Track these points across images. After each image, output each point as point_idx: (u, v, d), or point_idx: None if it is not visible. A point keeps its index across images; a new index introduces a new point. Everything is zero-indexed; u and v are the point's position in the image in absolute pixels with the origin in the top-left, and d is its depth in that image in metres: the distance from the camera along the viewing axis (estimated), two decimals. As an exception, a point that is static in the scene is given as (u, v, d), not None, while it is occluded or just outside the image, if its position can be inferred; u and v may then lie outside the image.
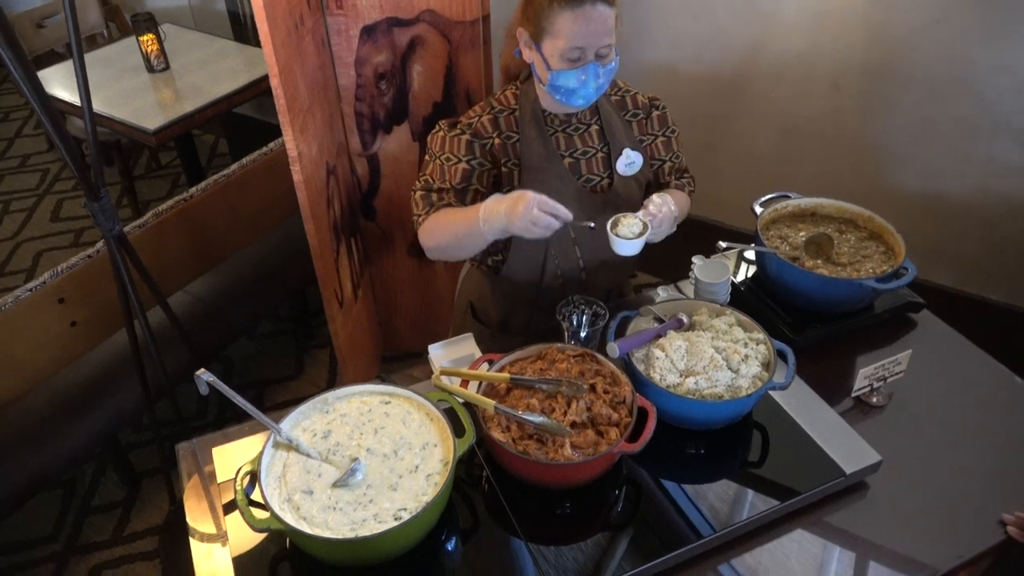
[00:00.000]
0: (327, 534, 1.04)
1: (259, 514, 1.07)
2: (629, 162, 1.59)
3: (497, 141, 1.53)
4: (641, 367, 1.31)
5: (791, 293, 1.55)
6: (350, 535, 1.04)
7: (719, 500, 1.23)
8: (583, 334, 1.44)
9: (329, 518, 1.07)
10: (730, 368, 1.29)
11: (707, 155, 2.86)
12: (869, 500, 1.29)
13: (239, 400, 1.15)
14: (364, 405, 1.24)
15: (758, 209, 1.66)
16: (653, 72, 2.81)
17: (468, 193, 1.53)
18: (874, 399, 1.45)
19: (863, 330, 1.60)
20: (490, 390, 1.28)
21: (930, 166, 2.44)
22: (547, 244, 1.57)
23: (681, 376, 1.29)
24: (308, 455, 1.15)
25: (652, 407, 1.22)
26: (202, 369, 1.14)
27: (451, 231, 1.46)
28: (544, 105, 1.54)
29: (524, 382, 1.26)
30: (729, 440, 1.34)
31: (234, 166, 2.18)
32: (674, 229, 1.53)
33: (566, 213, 1.33)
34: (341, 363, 2.31)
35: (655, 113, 1.64)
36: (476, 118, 1.54)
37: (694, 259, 1.63)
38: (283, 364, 2.78)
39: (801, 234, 1.63)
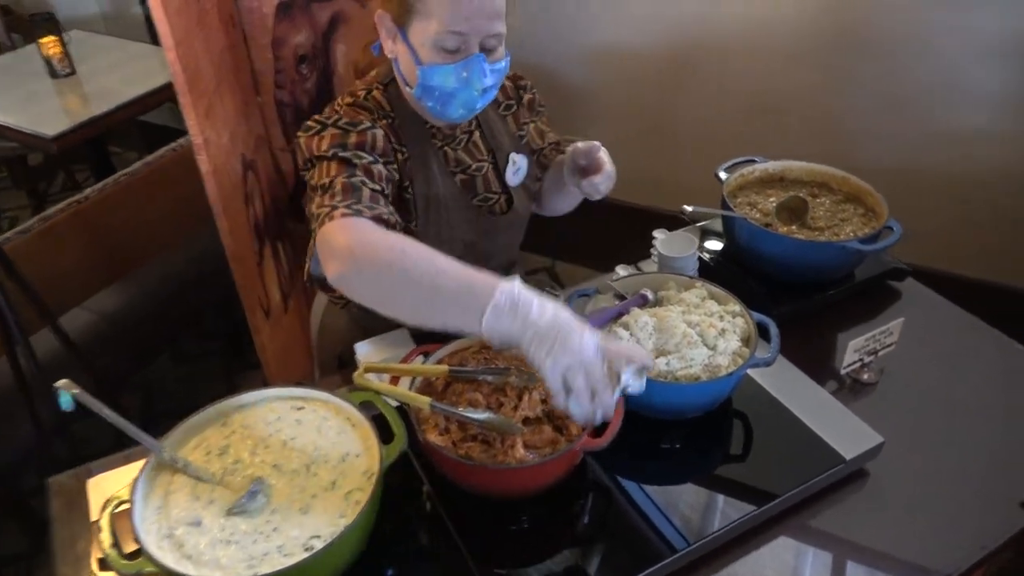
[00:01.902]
0: (217, 575, 0.82)
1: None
2: (516, 169, 1.32)
3: (400, 156, 1.19)
4: (602, 350, 1.12)
5: (764, 262, 1.38)
6: (247, 575, 0.82)
7: (699, 502, 1.04)
8: (534, 320, 1.24)
9: (221, 554, 0.84)
10: (706, 345, 1.10)
11: (657, 139, 2.71)
12: (870, 491, 1.11)
13: (107, 413, 0.92)
14: (271, 413, 1.02)
15: (722, 175, 1.50)
16: (596, 55, 2.66)
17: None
18: (865, 375, 1.28)
19: (844, 303, 1.44)
20: (426, 387, 1.07)
21: (898, 140, 2.33)
22: None
23: (650, 357, 1.10)
24: (198, 478, 0.93)
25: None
26: (63, 380, 0.92)
27: (415, 274, 0.90)
28: (420, 112, 1.21)
29: (465, 374, 1.05)
30: (708, 430, 1.15)
31: (138, 164, 1.94)
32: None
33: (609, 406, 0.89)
34: (271, 380, 2.07)
35: (526, 97, 1.36)
36: (370, 118, 1.15)
37: (655, 233, 1.45)
38: (212, 388, 2.51)
39: (771, 200, 1.47)
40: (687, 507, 1.03)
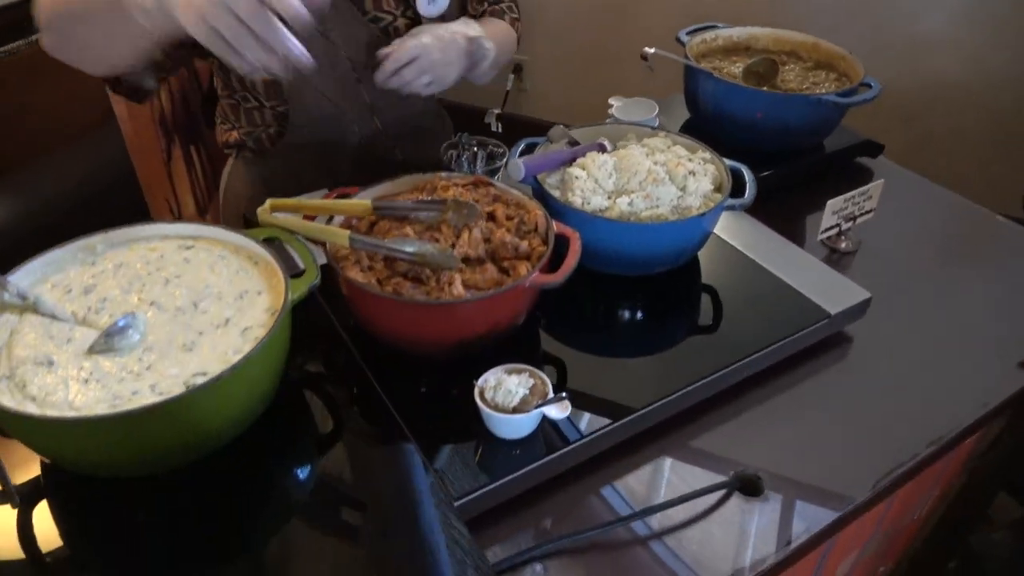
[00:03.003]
0: (70, 415, 0.64)
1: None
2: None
3: None
4: (556, 193, 0.96)
5: (732, 126, 1.24)
6: (107, 412, 0.63)
7: (665, 367, 0.90)
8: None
9: (75, 394, 0.66)
10: (674, 184, 0.96)
11: (599, 56, 2.57)
12: (853, 360, 0.99)
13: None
14: (152, 252, 0.83)
15: (684, 38, 1.35)
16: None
17: None
18: (843, 244, 1.16)
19: (815, 177, 1.32)
20: (345, 226, 0.90)
21: (851, 50, 2.23)
22: (342, 107, 1.13)
23: (610, 198, 0.95)
24: (52, 316, 0.74)
25: (574, 232, 0.87)
26: None
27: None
28: None
29: (393, 210, 0.89)
30: (676, 293, 1.01)
31: (20, 42, 1.68)
32: (489, 71, 1.14)
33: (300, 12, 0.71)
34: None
35: None
36: None
37: (612, 100, 1.31)
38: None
39: (737, 66, 1.33)
40: (658, 368, 0.89)
